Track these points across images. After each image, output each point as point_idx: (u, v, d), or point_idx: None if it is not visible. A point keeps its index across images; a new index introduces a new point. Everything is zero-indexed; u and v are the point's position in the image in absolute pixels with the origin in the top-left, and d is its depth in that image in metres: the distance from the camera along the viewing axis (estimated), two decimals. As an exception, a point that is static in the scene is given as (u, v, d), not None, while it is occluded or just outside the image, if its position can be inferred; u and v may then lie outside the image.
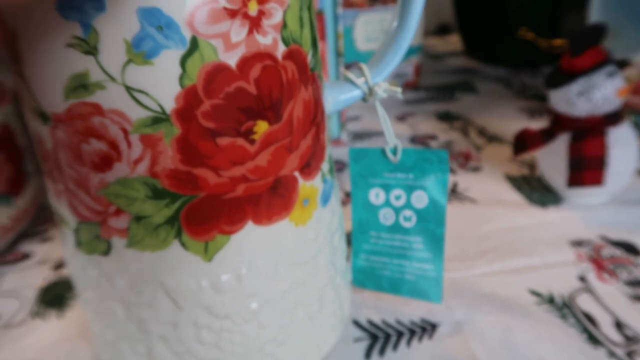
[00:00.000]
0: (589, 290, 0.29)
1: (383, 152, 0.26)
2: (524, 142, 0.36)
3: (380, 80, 0.24)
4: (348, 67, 0.55)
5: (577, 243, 0.32)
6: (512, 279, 0.30)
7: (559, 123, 0.34)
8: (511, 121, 0.50)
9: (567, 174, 0.34)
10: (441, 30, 0.90)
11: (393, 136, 0.26)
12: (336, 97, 0.24)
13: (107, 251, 0.19)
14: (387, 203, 0.27)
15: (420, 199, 0.26)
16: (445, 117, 0.53)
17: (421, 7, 0.24)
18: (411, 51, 0.59)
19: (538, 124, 0.49)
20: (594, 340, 0.25)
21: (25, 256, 0.34)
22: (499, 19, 0.59)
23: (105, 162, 0.17)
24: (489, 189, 0.39)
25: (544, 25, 0.55)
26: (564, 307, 0.27)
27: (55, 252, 0.35)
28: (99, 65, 0.16)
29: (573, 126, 0.33)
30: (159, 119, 0.17)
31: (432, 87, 0.61)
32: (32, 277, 0.32)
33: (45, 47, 0.16)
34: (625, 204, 0.36)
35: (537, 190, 0.38)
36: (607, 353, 0.24)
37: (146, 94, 0.16)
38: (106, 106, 0.16)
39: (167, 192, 0.18)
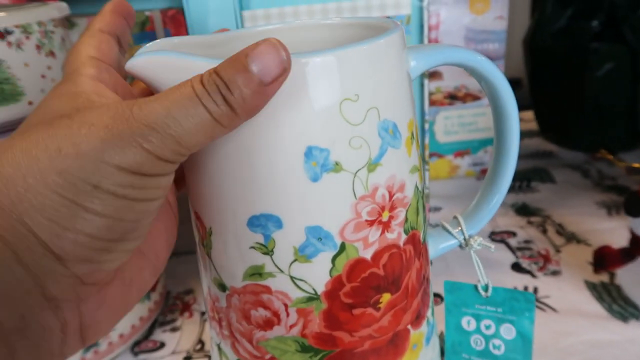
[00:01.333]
0: (670, 419, 0.31)
1: (475, 287, 0.30)
2: (603, 262, 0.38)
3: (475, 232, 0.29)
4: (429, 156, 0.59)
5: (658, 365, 0.34)
6: (595, 399, 0.32)
7: (638, 245, 0.37)
8: (590, 218, 0.52)
9: (647, 295, 0.36)
10: (514, 85, 0.92)
11: (485, 276, 0.30)
12: (436, 246, 0.29)
13: (260, 384, 0.25)
14: (478, 330, 0.31)
15: (508, 331, 0.30)
16: (523, 211, 0.56)
17: (512, 174, 0.28)
18: (490, 141, 0.63)
19: (616, 223, 0.51)
20: None
21: (161, 345, 0.41)
22: (575, 110, 0.62)
23: (267, 324, 0.23)
24: (569, 298, 0.42)
25: (620, 122, 0.58)
26: None
27: (184, 343, 0.41)
28: (273, 262, 0.21)
29: (652, 251, 0.36)
30: (312, 298, 0.22)
31: (509, 174, 0.64)
32: (168, 367, 0.38)
33: (234, 244, 0.22)
34: None
35: (617, 302, 0.41)
36: None
37: (305, 281, 0.22)
38: (274, 288, 0.22)
39: (312, 348, 0.23)
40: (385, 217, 0.22)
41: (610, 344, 0.36)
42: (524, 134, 0.78)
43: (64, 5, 0.35)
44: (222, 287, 0.24)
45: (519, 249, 0.49)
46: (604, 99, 0.61)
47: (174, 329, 0.42)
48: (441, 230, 0.30)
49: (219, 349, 0.26)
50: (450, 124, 0.61)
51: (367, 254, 0.22)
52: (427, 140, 0.48)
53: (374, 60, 0.20)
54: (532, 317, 0.29)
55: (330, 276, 0.22)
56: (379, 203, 0.21)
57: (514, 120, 0.27)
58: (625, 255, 0.37)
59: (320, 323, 0.22)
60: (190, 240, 0.45)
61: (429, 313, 0.27)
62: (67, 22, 0.36)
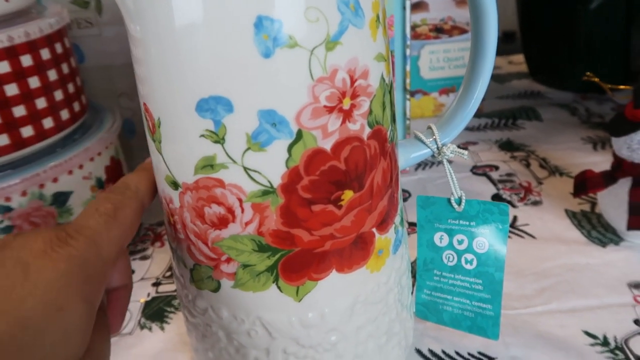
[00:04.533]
0: (643, 334, 0.30)
1: (448, 201, 0.29)
2: (584, 185, 0.37)
3: (449, 141, 0.27)
4: (413, 93, 0.57)
5: (636, 285, 0.34)
6: (568, 319, 0.32)
7: (621, 168, 0.36)
8: (574, 153, 0.51)
9: (627, 218, 0.35)
10: (506, 38, 0.90)
11: (458, 188, 0.29)
12: (408, 155, 0.28)
13: (216, 289, 0.24)
14: (450, 246, 0.30)
15: (481, 245, 0.29)
16: (507, 147, 0.54)
17: (488, 78, 0.26)
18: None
19: (601, 157, 0.50)
20: (644, 384, 0.27)
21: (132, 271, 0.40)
22: (566, 45, 0.60)
23: (222, 222, 0.22)
24: (548, 225, 0.41)
25: (611, 57, 0.56)
26: (617, 350, 0.29)
27: (154, 270, 0.40)
28: (225, 151, 0.20)
29: (635, 172, 0.35)
30: (268, 191, 0.21)
31: (495, 113, 0.63)
32: (137, 292, 0.38)
33: (183, 134, 0.20)
34: (686, 247, 0.37)
35: (596, 228, 0.40)
36: (656, 398, 0.26)
37: (259, 173, 0.20)
38: (227, 181, 0.21)
39: (269, 247, 0.22)
40: (346, 104, 0.20)
41: (587, 267, 0.36)
42: (512, 76, 0.76)
43: None
44: (175, 184, 0.22)
45: (501, 181, 0.48)
46: (596, 35, 0.58)
47: (144, 257, 0.41)
48: (414, 140, 0.28)
49: (177, 256, 0.25)
50: (436, 59, 0.59)
51: (327, 145, 0.20)
52: (408, 69, 0.46)
53: None
54: (505, 229, 0.28)
55: (287, 167, 0.20)
56: (339, 88, 0.20)
57: (492, 17, 0.25)
58: (607, 178, 0.36)
59: (278, 220, 0.21)
60: None
61: (397, 220, 0.26)
62: None
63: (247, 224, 0.21)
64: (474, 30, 0.26)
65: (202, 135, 0.20)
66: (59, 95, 0.34)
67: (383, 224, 0.24)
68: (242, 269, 0.23)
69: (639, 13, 0.54)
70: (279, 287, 0.23)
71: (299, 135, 0.20)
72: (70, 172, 0.35)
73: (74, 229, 0.19)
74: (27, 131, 0.33)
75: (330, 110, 0.20)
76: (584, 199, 0.44)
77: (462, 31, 0.58)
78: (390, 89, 0.23)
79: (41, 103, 0.33)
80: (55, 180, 0.34)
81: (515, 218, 0.42)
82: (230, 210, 0.21)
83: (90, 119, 0.40)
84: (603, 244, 0.38)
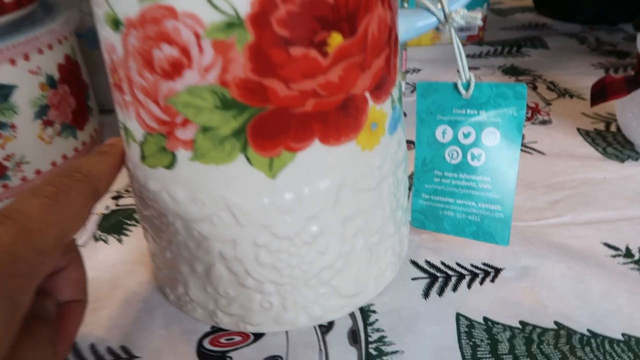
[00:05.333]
0: (670, 245, 0.27)
1: (455, 86, 0.25)
2: (604, 91, 0.33)
3: (458, 6, 0.23)
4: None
5: (658, 199, 0.30)
6: (584, 231, 0.28)
7: (646, 69, 0.31)
8: (585, 77, 0.47)
9: (650, 125, 0.31)
10: None
11: (467, 69, 0.24)
12: (411, 24, 0.23)
13: (171, 164, 0.19)
14: (455, 141, 0.26)
15: (491, 137, 0.25)
16: (512, 72, 0.50)
17: None
18: (476, 2, 0.56)
19: (615, 80, 0.45)
20: (675, 295, 0.24)
21: (90, 186, 0.35)
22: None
23: (175, 69, 0.17)
24: (559, 142, 0.37)
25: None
26: (641, 261, 0.26)
27: (115, 184, 0.35)
28: (173, -40, 0.15)
29: (662, 72, 0.31)
30: (233, 24, 0.16)
31: (498, 41, 0.58)
32: (95, 205, 0.33)
33: (120, -59, 0.16)
34: None
35: (612, 145, 0.36)
36: (689, 308, 0.23)
37: (220, -7, 0.16)
38: (180, 9, 0.16)
39: (236, 103, 0.17)
40: None
41: (602, 181, 0.32)
42: (516, 9, 0.71)
43: None
44: (116, 23, 0.17)
45: (506, 102, 0.43)
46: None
47: (108, 172, 0.37)
48: (418, 9, 0.23)
49: (125, 130, 0.21)
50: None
51: (308, -41, 0.16)
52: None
53: None
54: (522, 116, 0.24)
55: (257, -12, 0.16)
56: None
57: None
58: (631, 82, 0.32)
59: (246, 65, 0.17)
60: None
61: (394, 93, 0.21)
62: None
63: (207, 70, 0.17)
64: None
65: (144, -62, 0.15)
66: (-3, -32, 0.29)
67: (378, 90, 0.20)
68: (201, 135, 0.18)
69: None
70: (248, 159, 0.18)
71: (272, -61, 0.15)
72: (13, 62, 0.30)
73: (2, 213, 0.16)
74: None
75: None
76: (598, 118, 0.40)
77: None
78: None
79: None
80: (-6, 68, 0.29)
81: (522, 136, 0.38)
82: (185, 51, 0.17)
83: (42, 13, 0.35)
84: (621, 160, 0.34)
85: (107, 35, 0.18)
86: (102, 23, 0.18)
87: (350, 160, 0.20)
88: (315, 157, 0.19)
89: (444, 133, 0.26)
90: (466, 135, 0.25)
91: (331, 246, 0.21)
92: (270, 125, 0.18)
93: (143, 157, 0.20)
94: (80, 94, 0.36)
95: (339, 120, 0.19)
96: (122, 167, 0.22)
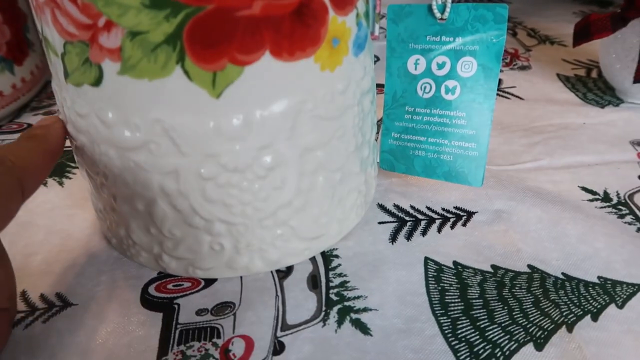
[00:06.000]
0: (650, 189, 0.25)
1: (429, 9, 0.22)
2: (587, 29, 0.31)
3: None
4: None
5: (639, 143, 0.28)
6: (562, 175, 0.26)
7: (634, 5, 0.29)
8: (566, 24, 0.45)
9: (635, 67, 0.29)
10: None
11: (442, -13, 0.22)
12: None
13: (98, 80, 0.16)
14: (428, 72, 0.23)
15: (467, 67, 0.22)
16: (492, 18, 0.47)
17: None
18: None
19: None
20: (655, 238, 0.22)
21: (28, 126, 0.32)
22: None
23: (91, -47, 0.14)
24: (538, 88, 0.35)
25: None
26: (620, 205, 0.24)
27: (61, 125, 0.32)
28: None
29: (650, 8, 0.28)
30: None
31: (478, -11, 0.55)
32: (35, 146, 0.30)
33: None
34: (696, 108, 0.31)
35: (593, 91, 0.34)
36: (670, 251, 0.21)
37: None
38: None
39: (168, 0, 0.14)
40: None
41: (583, 126, 0.30)
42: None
43: None
44: None
45: (484, 47, 0.41)
46: None
47: (49, 113, 0.33)
48: None
49: (45, 41, 0.18)
50: None
51: None
52: None
53: None
54: (502, 42, 0.22)
55: None
56: None
57: None
58: (616, 20, 0.30)
59: (177, -53, 0.14)
60: None
61: (360, 5, 0.19)
62: None
63: (129, -47, 0.14)
64: None
65: None
66: None
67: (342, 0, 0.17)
68: (129, 41, 0.15)
69: None
70: (186, 72, 0.16)
71: None
72: None
73: None
74: None
75: None
76: (578, 64, 0.38)
77: None
78: None
79: None
80: None
81: (500, 81, 0.36)
82: None
83: None
84: (601, 105, 0.32)
85: None
86: None
87: (308, 80, 0.17)
88: (267, 73, 0.16)
89: (416, 64, 0.23)
90: (440, 66, 0.23)
91: (288, 181, 0.19)
92: (212, 30, 0.15)
93: (66, 74, 0.17)
94: (17, 24, 0.32)
95: (293, 28, 0.16)
96: (60, 154, 0.18)
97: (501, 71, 0.38)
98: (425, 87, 0.23)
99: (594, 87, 0.35)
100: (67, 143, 0.27)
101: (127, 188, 0.19)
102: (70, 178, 0.27)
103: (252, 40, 0.16)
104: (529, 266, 0.21)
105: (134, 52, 0.15)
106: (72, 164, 0.28)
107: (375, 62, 0.39)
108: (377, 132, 0.24)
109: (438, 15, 0.22)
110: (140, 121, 0.17)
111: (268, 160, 0.18)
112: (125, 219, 0.20)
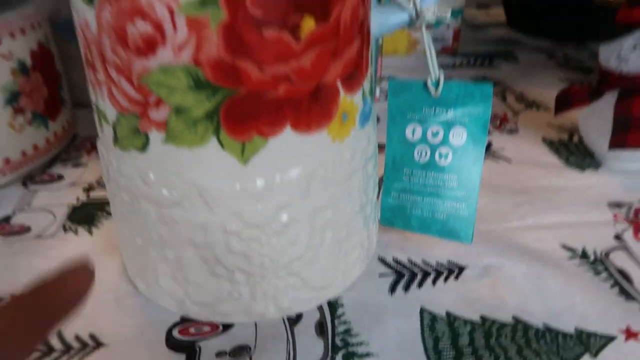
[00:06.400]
0: (624, 248, 0.28)
1: (424, 85, 0.26)
2: (568, 100, 0.35)
3: (429, 4, 0.24)
4: None
5: (616, 205, 0.31)
6: (545, 234, 0.29)
7: (607, 80, 0.33)
8: (552, 90, 0.48)
9: (610, 135, 0.33)
10: (481, 7, 0.88)
11: (437, 67, 0.25)
12: (383, 20, 0.23)
13: (144, 146, 0.19)
14: (424, 139, 0.26)
15: (458, 136, 0.25)
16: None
17: None
18: (451, 14, 0.57)
19: (580, 95, 0.47)
20: (627, 294, 0.24)
21: (59, 177, 0.35)
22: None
23: (149, 46, 0.17)
24: (524, 151, 0.38)
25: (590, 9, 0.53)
26: (597, 262, 0.27)
27: (87, 176, 0.35)
28: (152, -63, 0.15)
29: (622, 84, 0.32)
30: (207, 1, 0.16)
31: (471, 53, 0.60)
32: (64, 196, 0.33)
33: None
34: (668, 173, 0.34)
35: (575, 155, 0.37)
36: (641, 306, 0.24)
37: (197, -27, 0.16)
38: (155, -16, 0.16)
39: (209, 84, 0.17)
40: None
41: (564, 188, 0.33)
42: (489, 24, 0.73)
43: None
44: (91, -1, 0.17)
45: (476, 111, 0.45)
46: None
47: (77, 165, 0.36)
48: (391, 6, 0.24)
49: (98, 111, 0.21)
50: (413, -10, 0.55)
51: (285, -55, 0.16)
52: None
53: None
54: (487, 114, 0.25)
55: (233, -31, 0.16)
56: None
57: None
58: (593, 92, 0.33)
59: (220, 44, 0.17)
60: None
61: (366, 86, 0.22)
62: None
63: (180, 48, 0.17)
64: None
65: None
66: (-29, -51, 0.29)
67: (350, 81, 0.20)
68: (175, 116, 0.18)
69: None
70: (220, 142, 0.19)
71: None
72: (-17, 45, 0.29)
73: None
74: None
75: None
76: (562, 128, 0.41)
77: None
78: None
79: (-53, -48, 0.27)
80: (-37, 50, 0.28)
81: (490, 143, 0.39)
82: (158, 27, 0.17)
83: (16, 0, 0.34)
84: (582, 169, 0.35)
85: (81, 10, 0.18)
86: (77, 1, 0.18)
87: (321, 150, 0.20)
88: (287, 144, 0.19)
89: (413, 132, 0.26)
90: (435, 134, 0.26)
91: (301, 237, 0.21)
92: (243, 109, 0.18)
93: (116, 140, 0.20)
94: (53, 84, 0.35)
95: (310, 107, 0.19)
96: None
97: (491, 134, 0.41)
98: (421, 153, 0.26)
99: (575, 152, 0.38)
100: (96, 194, 0.30)
101: (160, 239, 0.21)
102: (98, 228, 0.30)
103: (276, 116, 0.19)
104: (514, 317, 0.23)
105: (178, 125, 0.18)
106: (99, 214, 0.31)
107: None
108: (378, 192, 0.27)
109: (432, 90, 0.25)
110: (177, 182, 0.20)
111: (285, 218, 0.21)
112: (154, 266, 0.22)
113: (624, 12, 0.31)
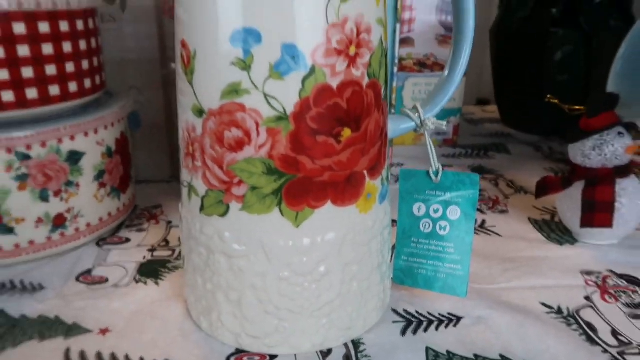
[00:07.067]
0: (592, 306, 0.34)
1: (427, 173, 0.33)
2: (545, 187, 0.42)
3: (431, 116, 0.32)
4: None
5: (587, 273, 0.38)
6: (528, 293, 0.35)
7: (576, 172, 0.41)
8: (538, 177, 0.56)
9: (580, 216, 0.40)
10: (480, 103, 0.99)
11: (436, 161, 0.33)
12: (396, 126, 0.32)
13: (225, 213, 0.27)
14: (427, 215, 0.34)
15: (454, 212, 0.33)
16: (479, 170, 0.59)
17: (466, 62, 0.32)
18: (451, 112, 0.67)
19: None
20: (592, 340, 0.31)
21: (127, 240, 0.42)
22: (534, 93, 0.67)
23: (238, 145, 0.25)
24: (513, 228, 0.45)
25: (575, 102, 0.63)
26: (569, 317, 0.33)
27: (149, 239, 0.42)
28: (250, 77, 0.24)
29: (587, 175, 0.40)
30: (282, 117, 0.24)
31: (469, 145, 0.68)
32: (133, 255, 0.40)
33: (215, 63, 0.24)
34: (632, 248, 0.41)
35: (555, 232, 0.44)
36: (602, 350, 0.30)
37: (276, 99, 0.24)
38: (248, 105, 0.24)
39: (277, 171, 0.25)
40: (352, 51, 0.25)
41: (546, 258, 0.40)
42: (485, 120, 0.83)
43: None
44: (200, 112, 0.26)
45: (472, 194, 0.52)
46: (560, 82, 0.66)
47: (140, 230, 0.44)
48: (402, 116, 0.33)
49: (190, 188, 0.28)
50: (418, 91, 0.65)
51: (334, 83, 0.25)
52: (395, 85, 0.51)
53: None
54: (475, 197, 0.32)
55: (300, 97, 0.24)
56: (347, 35, 0.24)
57: (471, 13, 0.30)
58: (564, 182, 0.41)
59: (287, 145, 0.25)
60: (160, 170, 0.49)
61: (384, 174, 0.30)
62: None
63: (260, 147, 0.25)
64: (455, 25, 0.31)
65: (232, 63, 0.24)
66: (85, 64, 0.38)
67: (373, 170, 0.28)
68: (251, 192, 0.26)
69: (597, 64, 0.62)
70: (281, 211, 0.26)
71: (312, 69, 0.24)
72: (86, 134, 0.38)
73: None
74: (54, 90, 0.36)
75: (339, 52, 0.24)
76: (545, 210, 0.48)
77: (443, 67, 0.65)
78: (386, 54, 0.28)
79: (70, 67, 0.37)
80: (72, 138, 0.37)
81: (484, 221, 0.47)
82: (247, 134, 0.25)
83: (106, 98, 0.44)
84: (560, 243, 0.42)
85: (190, 119, 0.27)
86: (187, 110, 0.27)
87: (351, 219, 0.28)
88: (327, 214, 0.27)
89: (419, 209, 0.34)
90: (436, 211, 0.34)
91: (334, 285, 0.28)
92: (299, 189, 0.26)
93: (202, 208, 0.28)
94: (127, 164, 0.44)
95: (345, 189, 0.27)
96: None
97: (485, 213, 0.48)
98: (425, 225, 0.34)
99: (556, 229, 0.45)
100: (158, 254, 0.37)
101: (227, 284, 0.28)
102: (162, 280, 0.37)
103: (321, 194, 0.26)
104: (500, 355, 0.29)
105: (252, 199, 0.26)
106: (162, 270, 0.38)
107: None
108: (392, 255, 0.34)
109: (433, 178, 0.33)
110: (247, 239, 0.27)
111: (323, 269, 0.28)
112: (219, 307, 0.29)
113: (584, 121, 0.40)
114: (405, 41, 0.63)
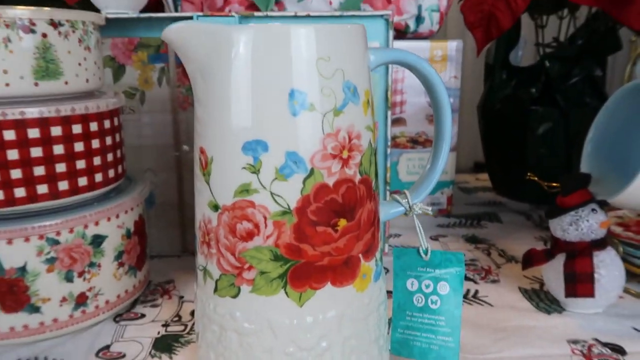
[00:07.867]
0: (577, 374, 0.36)
1: (418, 251, 0.37)
2: (530, 260, 0.46)
3: (418, 201, 0.36)
4: (393, 193, 0.67)
5: (573, 341, 0.41)
6: (517, 362, 0.38)
7: (557, 245, 0.44)
8: (529, 246, 0.60)
9: (564, 286, 0.43)
10: (476, 168, 1.04)
11: (425, 241, 0.37)
12: (387, 211, 0.36)
13: (236, 295, 0.30)
14: (420, 290, 0.37)
15: (443, 288, 0.36)
16: (472, 240, 0.63)
17: (446, 157, 0.36)
18: (445, 184, 0.71)
19: (550, 251, 0.58)
20: (576, 408, 0.33)
21: (142, 315, 0.45)
22: (520, 164, 0.72)
23: (249, 236, 0.29)
24: (504, 297, 0.48)
25: (557, 172, 0.67)
26: (556, 385, 0.35)
27: (163, 315, 0.45)
28: (258, 180, 0.28)
29: (567, 248, 0.43)
30: (286, 212, 0.28)
31: (462, 215, 0.72)
32: (147, 330, 0.43)
33: (229, 167, 0.29)
34: (617, 316, 0.44)
35: (544, 301, 0.47)
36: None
37: (281, 197, 0.28)
38: (257, 202, 0.29)
39: (283, 257, 0.29)
40: (345, 154, 0.29)
41: (534, 327, 0.43)
42: (478, 189, 0.87)
43: (102, 16, 0.44)
44: (216, 207, 0.30)
45: (466, 264, 0.56)
46: (543, 155, 0.71)
47: (154, 305, 0.47)
48: (392, 202, 0.37)
49: (205, 271, 0.32)
50: (412, 165, 0.70)
51: (330, 181, 0.29)
52: (389, 165, 0.56)
53: (342, 36, 0.29)
54: (462, 273, 0.36)
55: (301, 195, 0.28)
56: (341, 142, 0.29)
57: (446, 108, 0.35)
58: (547, 254, 0.45)
59: (291, 235, 0.29)
60: (172, 245, 0.53)
61: (377, 255, 0.33)
62: (101, 29, 0.45)
63: (268, 237, 0.29)
64: (435, 117, 0.36)
65: (244, 168, 0.28)
66: (110, 157, 0.43)
67: (367, 253, 0.32)
68: (259, 276, 0.30)
69: (576, 137, 0.67)
70: (286, 293, 0.30)
71: (312, 171, 0.28)
72: (108, 219, 0.42)
73: None
74: (82, 181, 0.40)
75: (334, 156, 0.29)
76: (535, 279, 0.51)
77: (434, 144, 0.70)
78: (375, 153, 0.32)
79: (97, 161, 0.41)
80: (96, 223, 0.41)
81: (476, 291, 0.50)
82: (256, 226, 0.29)
83: (125, 183, 0.48)
84: (548, 312, 0.45)
85: (207, 213, 0.31)
86: (204, 205, 0.31)
87: (349, 298, 0.31)
88: (328, 294, 0.30)
89: (412, 284, 0.37)
90: (427, 286, 0.37)
91: (334, 359, 0.31)
92: (302, 272, 0.29)
93: (216, 289, 0.31)
94: (144, 243, 0.47)
95: (343, 271, 0.30)
96: None
97: (478, 283, 0.51)
98: (418, 299, 0.37)
99: (544, 298, 0.48)
100: (171, 329, 0.40)
101: (237, 357, 0.31)
102: (176, 354, 0.39)
103: (322, 277, 0.30)
104: None
105: (261, 282, 0.29)
106: (176, 344, 0.41)
107: (385, 273, 0.53)
108: (388, 328, 0.37)
109: (423, 256, 0.37)
110: (256, 318, 0.30)
111: (324, 345, 0.31)
112: (229, 380, 0.32)
113: (560, 199, 0.44)
114: (398, 121, 0.69)
